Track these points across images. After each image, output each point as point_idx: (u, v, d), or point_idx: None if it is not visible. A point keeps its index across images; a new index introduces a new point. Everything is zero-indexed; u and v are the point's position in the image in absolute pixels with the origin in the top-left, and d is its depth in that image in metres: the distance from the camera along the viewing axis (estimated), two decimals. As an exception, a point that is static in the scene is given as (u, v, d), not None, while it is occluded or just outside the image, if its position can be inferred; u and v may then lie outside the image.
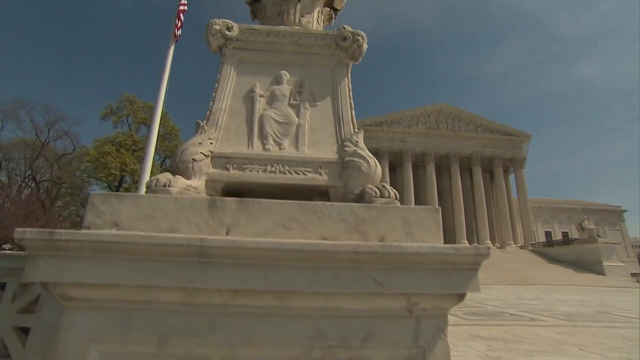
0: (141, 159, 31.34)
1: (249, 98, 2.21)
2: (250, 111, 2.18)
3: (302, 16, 2.68)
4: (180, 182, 1.78)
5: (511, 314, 11.17)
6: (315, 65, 2.36)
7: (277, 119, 2.16)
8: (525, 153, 48.34)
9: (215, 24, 2.24)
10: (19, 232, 1.33)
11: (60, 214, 34.67)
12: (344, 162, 2.04)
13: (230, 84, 2.23)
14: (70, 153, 35.49)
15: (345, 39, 2.31)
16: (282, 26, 2.41)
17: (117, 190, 33.20)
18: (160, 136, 25.80)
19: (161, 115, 21.79)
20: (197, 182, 1.89)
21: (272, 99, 2.22)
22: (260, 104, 2.19)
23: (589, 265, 34.97)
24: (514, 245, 42.94)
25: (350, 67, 2.42)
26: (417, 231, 1.66)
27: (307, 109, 2.20)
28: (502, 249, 41.33)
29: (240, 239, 1.38)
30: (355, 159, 2.02)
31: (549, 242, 45.28)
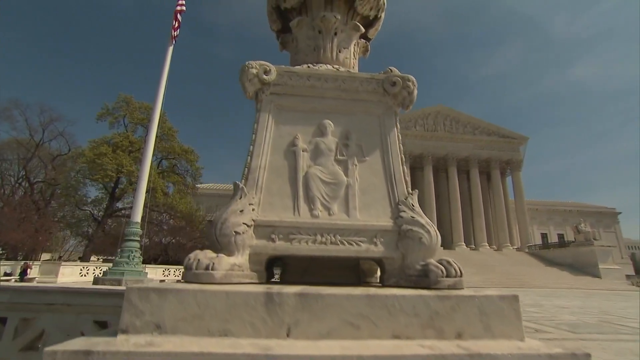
0: (138, 160, 30.91)
1: (291, 152, 1.98)
2: (294, 168, 1.95)
3: (339, 51, 2.45)
4: (224, 262, 1.56)
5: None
6: (361, 112, 2.13)
7: (324, 178, 1.93)
8: (522, 155, 48.51)
9: (252, 68, 2.00)
10: (49, 354, 1.11)
11: (54, 215, 34.05)
12: (401, 230, 1.82)
13: (269, 136, 1.99)
14: (66, 154, 34.82)
15: (394, 84, 2.08)
16: (323, 67, 2.18)
17: (113, 192, 32.65)
18: (157, 137, 25.36)
19: (159, 116, 21.43)
20: (241, 259, 1.66)
21: (316, 154, 2.00)
22: (303, 160, 1.96)
23: (585, 268, 35.16)
24: (511, 248, 43.09)
25: (398, 114, 2.20)
26: (496, 324, 1.47)
27: (356, 165, 1.98)
28: (499, 251, 41.47)
29: (310, 354, 1.17)
30: (415, 229, 1.80)
31: (545, 244, 45.51)
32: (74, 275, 20.75)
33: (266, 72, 2.02)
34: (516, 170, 47.97)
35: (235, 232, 1.66)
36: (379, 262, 1.91)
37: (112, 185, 32.09)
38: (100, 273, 21.76)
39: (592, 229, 40.29)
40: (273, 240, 1.77)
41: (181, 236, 31.79)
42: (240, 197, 1.80)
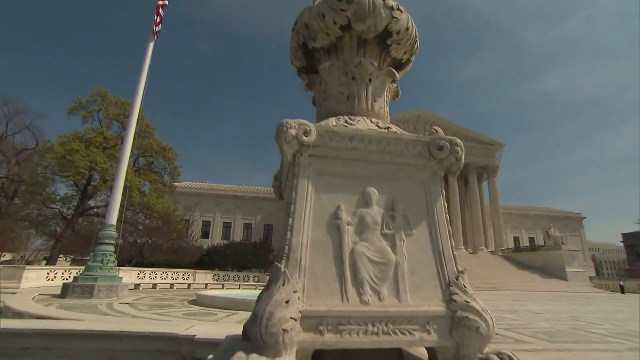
0: (113, 157, 29.53)
1: (334, 226, 1.80)
2: (338, 245, 1.77)
3: (374, 101, 2.28)
4: (273, 370, 1.36)
5: (496, 334, 11.39)
6: (405, 178, 1.98)
7: (372, 257, 1.77)
8: (498, 161, 50.16)
9: (291, 128, 1.80)
10: None
11: (18, 213, 31.97)
12: (455, 316, 1.69)
13: (309, 207, 1.80)
14: (32, 148, 32.77)
15: (441, 148, 1.94)
16: (363, 124, 2.01)
17: (85, 190, 31.02)
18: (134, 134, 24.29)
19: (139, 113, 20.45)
20: (289, 359, 1.47)
21: (361, 228, 1.82)
22: (349, 235, 1.78)
23: (554, 271, 36.91)
24: (486, 251, 44.51)
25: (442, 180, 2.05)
26: None
27: (403, 240, 1.82)
28: (475, 254, 42.73)
29: None
30: (471, 317, 1.66)
31: (517, 247, 47.36)
32: (39, 279, 19.39)
33: (306, 133, 1.83)
34: (492, 176, 49.56)
35: (283, 329, 1.46)
36: (430, 349, 1.77)
37: (84, 182, 30.50)
38: (69, 277, 20.54)
39: (561, 233, 42.27)
40: (321, 333, 1.58)
41: (157, 236, 30.69)
42: (284, 284, 1.60)
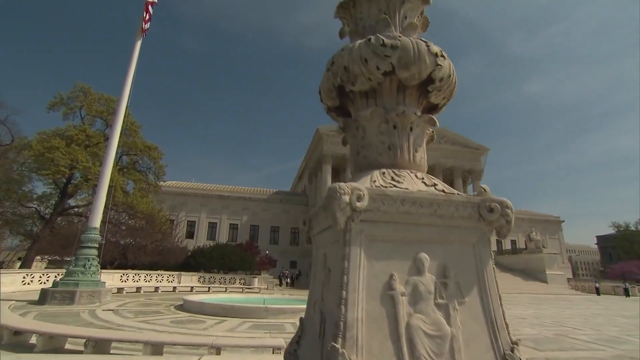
0: (95, 155, 28.55)
1: (388, 297, 1.71)
2: (393, 318, 1.68)
3: (415, 151, 2.22)
4: None
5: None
6: (456, 241, 1.91)
7: (427, 330, 1.68)
8: (482, 165, 51.29)
9: (344, 194, 1.71)
10: None
11: (-10, 212, 30.52)
12: (513, 394, 1.62)
13: (362, 277, 1.71)
14: (7, 144, 31.31)
15: (492, 210, 1.88)
16: (415, 185, 1.92)
17: (65, 188, 29.88)
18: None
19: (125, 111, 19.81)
20: None
21: (415, 298, 1.74)
22: (403, 307, 1.69)
23: (535, 274, 38.10)
24: (469, 253, 45.48)
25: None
26: None
27: (457, 309, 1.75)
28: (459, 257, 43.59)
29: None
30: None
31: (500, 250, 48.59)
32: (14, 284, 18.43)
33: (359, 198, 1.73)
34: (477, 180, 50.61)
35: None
36: None
37: (64, 180, 29.38)
38: (47, 281, 19.68)
39: (541, 236, 43.64)
40: (381, 421, 1.49)
41: (141, 237, 29.87)
42: (342, 366, 1.50)
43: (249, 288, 28.55)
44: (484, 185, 1.99)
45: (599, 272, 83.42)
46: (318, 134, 46.80)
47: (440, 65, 2.15)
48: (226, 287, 28.35)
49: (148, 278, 25.74)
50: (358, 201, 1.73)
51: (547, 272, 37.30)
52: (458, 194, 1.97)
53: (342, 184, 1.72)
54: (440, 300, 1.77)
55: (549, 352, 10.41)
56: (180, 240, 34.56)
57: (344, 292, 1.66)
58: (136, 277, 24.92)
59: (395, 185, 1.91)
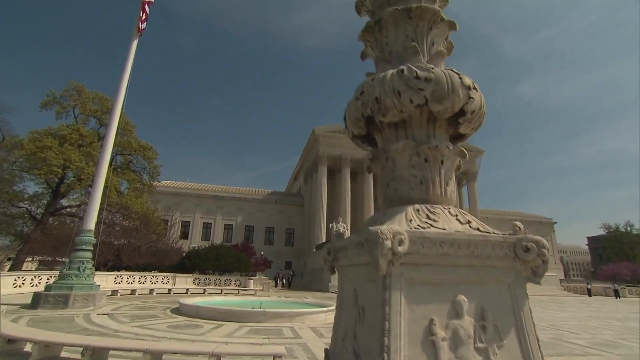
0: (88, 155, 28.13)
1: (429, 343, 1.67)
2: (435, 366, 1.64)
3: (447, 184, 2.18)
4: None
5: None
6: (492, 282, 1.88)
7: (470, 377, 1.65)
8: (477, 167, 51.68)
9: (387, 239, 1.66)
10: None
11: (-21, 212, 29.87)
12: None
13: (403, 322, 1.67)
14: (-2, 143, 30.71)
15: (527, 250, 1.86)
16: (451, 225, 1.89)
17: (57, 188, 29.39)
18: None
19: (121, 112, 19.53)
20: None
21: (455, 343, 1.71)
22: (444, 352, 1.66)
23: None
24: (464, 254, 45.79)
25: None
26: None
27: (496, 354, 1.71)
28: (453, 258, 43.89)
29: None
30: None
31: (493, 251, 48.97)
32: (6, 287, 18.00)
33: (400, 243, 1.69)
34: (472, 181, 50.99)
35: None
36: None
37: (57, 180, 28.89)
38: (38, 284, 19.30)
39: (533, 238, 44.10)
40: None
41: (136, 238, 29.47)
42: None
43: (245, 290, 28.39)
44: (517, 223, 1.97)
45: (589, 272, 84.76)
46: (314, 135, 46.72)
47: (473, 98, 2.12)
48: (222, 289, 28.14)
49: (143, 280, 25.44)
50: (399, 245, 1.69)
51: (540, 274, 37.77)
52: (493, 232, 1.94)
53: (383, 229, 1.68)
54: (480, 345, 1.74)
55: (548, 357, 10.46)
56: (175, 241, 34.23)
57: (386, 340, 1.62)
58: (130, 279, 24.60)
59: (432, 225, 1.88)
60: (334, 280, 32.10)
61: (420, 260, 1.82)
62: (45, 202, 30.96)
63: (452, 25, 2.50)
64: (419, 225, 1.87)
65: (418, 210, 1.99)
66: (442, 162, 2.22)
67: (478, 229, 1.97)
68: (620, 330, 13.37)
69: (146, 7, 20.05)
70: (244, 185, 59.17)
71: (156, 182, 35.79)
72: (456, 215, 2.06)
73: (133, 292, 22.71)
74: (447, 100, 2.07)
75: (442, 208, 2.07)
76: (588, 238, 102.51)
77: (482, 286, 1.88)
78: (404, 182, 2.20)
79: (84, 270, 16.54)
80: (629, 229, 71.68)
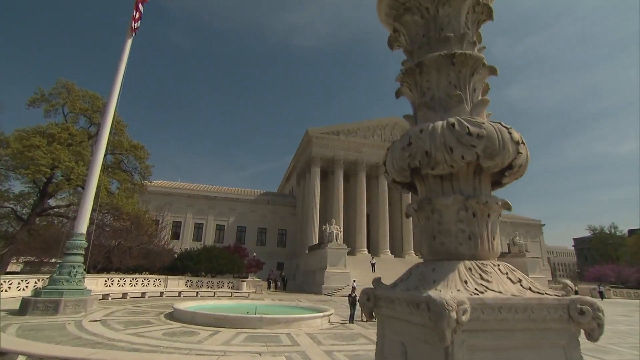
0: (78, 155, 27.47)
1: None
2: None
3: (493, 238, 2.17)
4: None
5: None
6: (546, 346, 1.86)
7: None
8: (468, 170, 52.26)
9: (452, 311, 1.62)
10: None
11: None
12: None
13: (466, 393, 1.63)
14: (-18, 141, 29.72)
15: (582, 313, 1.84)
16: (507, 287, 1.87)
17: (45, 188, 28.64)
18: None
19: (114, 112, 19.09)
20: None
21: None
22: None
23: (517, 278, 39.19)
24: (455, 256, 46.30)
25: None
26: None
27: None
28: (445, 260, 44.36)
29: None
30: None
31: (483, 253, 49.74)
32: (-9, 291, 17.48)
33: (464, 312, 1.66)
34: (462, 184, 51.61)
35: None
36: None
37: (45, 179, 28.15)
38: (25, 287, 18.75)
39: (523, 240, 44.94)
40: None
41: (127, 240, 28.93)
42: None
43: (238, 292, 28.21)
44: (569, 283, 1.94)
45: (575, 273, 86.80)
46: (307, 136, 46.63)
47: (521, 153, 2.12)
48: (214, 292, 27.91)
49: (134, 282, 25.03)
50: (463, 315, 1.66)
51: (530, 276, 38.39)
52: (546, 293, 1.91)
53: (448, 299, 1.63)
54: (539, 414, 1.71)
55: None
56: (166, 242, 33.75)
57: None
58: (121, 282, 24.18)
59: (487, 288, 1.85)
60: (327, 282, 32.19)
61: (480, 327, 1.79)
62: (32, 201, 30.18)
63: (492, 70, 2.48)
64: (476, 289, 1.84)
65: (470, 269, 1.96)
66: (489, 216, 2.19)
67: (530, 289, 1.95)
68: (609, 334, 13.60)
69: (140, 5, 19.65)
70: (234, 184, 58.65)
71: (147, 182, 35.21)
72: (506, 273, 2.03)
73: (124, 295, 22.33)
74: (498, 157, 2.05)
75: (492, 265, 2.05)
76: (574, 239, 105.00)
77: (537, 350, 1.86)
78: (452, 237, 2.17)
79: (75, 275, 16.16)
80: (613, 230, 73.66)
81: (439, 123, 2.13)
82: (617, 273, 44.81)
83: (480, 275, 1.94)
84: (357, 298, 13.41)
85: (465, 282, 1.88)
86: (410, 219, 38.28)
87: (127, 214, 29.42)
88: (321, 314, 13.97)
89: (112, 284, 23.52)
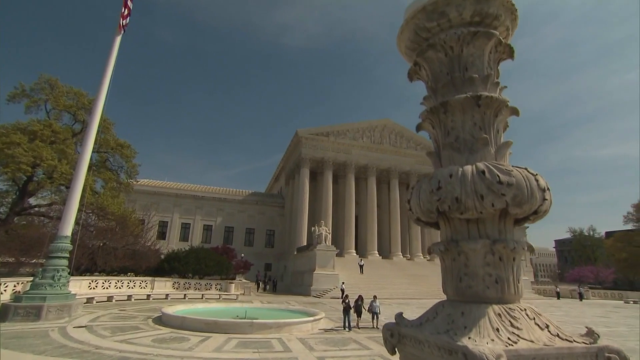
0: (62, 153, 26.65)
1: None
2: None
3: (518, 281, 2.25)
4: None
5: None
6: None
7: None
8: (455, 172, 53.11)
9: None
10: None
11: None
12: None
13: None
14: (-42, 137, 28.49)
15: (608, 360, 1.92)
16: (538, 336, 1.92)
17: (25, 187, 27.68)
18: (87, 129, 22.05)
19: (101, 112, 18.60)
20: None
21: None
22: None
23: (501, 279, 40.03)
24: (441, 258, 46.96)
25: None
26: None
27: None
28: (431, 261, 44.99)
29: None
30: None
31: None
32: (-33, 296, 16.73)
33: (502, 364, 1.70)
34: (449, 186, 52.39)
35: None
36: None
37: (25, 178, 27.19)
38: (4, 291, 18.02)
39: (507, 242, 45.91)
40: None
41: (112, 241, 28.17)
42: None
43: (226, 294, 27.92)
44: (595, 330, 2.01)
45: (556, 274, 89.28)
46: (297, 136, 46.53)
47: (547, 199, 2.20)
48: (202, 294, 27.56)
49: (119, 284, 24.47)
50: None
51: (513, 278, 39.35)
52: (574, 340, 1.99)
53: (487, 353, 1.69)
54: None
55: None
56: (153, 243, 33.08)
57: None
58: (106, 284, 23.60)
59: (518, 336, 1.93)
60: (316, 284, 32.19)
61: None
62: (11, 200, 29.13)
63: (514, 111, 2.55)
64: (509, 339, 1.90)
65: (500, 315, 2.02)
66: (514, 259, 2.26)
67: (558, 335, 2.02)
68: None
69: (128, 1, 19.24)
70: (222, 183, 58.01)
71: (133, 181, 34.44)
72: (534, 318, 2.11)
73: (110, 298, 21.82)
74: (526, 205, 2.14)
75: (520, 310, 2.12)
76: (555, 241, 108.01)
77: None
78: (479, 280, 2.23)
79: (59, 279, 15.69)
80: (591, 232, 76.09)
81: (469, 168, 2.18)
82: (596, 274, 46.39)
83: (510, 322, 2.01)
84: (352, 304, 13.38)
85: (497, 329, 1.93)
86: (398, 220, 38.37)
87: (112, 214, 28.69)
88: (312, 318, 13.98)
89: (96, 286, 22.94)
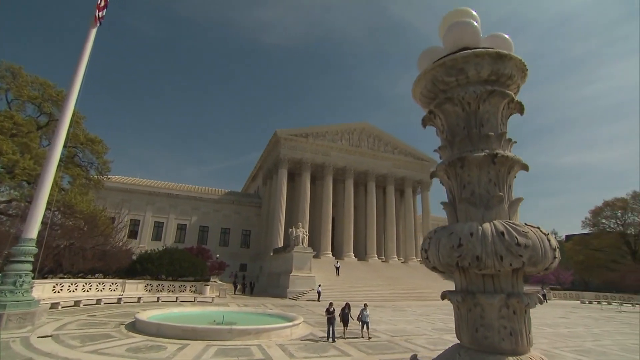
0: (25, 147, 25.05)
1: None
2: None
3: (529, 332, 2.42)
4: None
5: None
6: None
7: None
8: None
9: None
10: None
11: None
12: None
13: None
14: None
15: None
16: None
17: (-17, 182, 25.78)
18: (56, 122, 20.84)
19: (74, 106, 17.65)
20: None
21: None
22: None
23: (471, 281, 41.57)
24: (416, 260, 48.33)
25: None
26: None
27: None
28: (406, 263, 46.18)
29: None
30: None
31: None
32: None
33: None
34: (425, 190, 53.89)
35: None
36: None
37: (-18, 173, 25.33)
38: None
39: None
40: None
41: (79, 240, 26.75)
42: None
43: (201, 297, 27.32)
44: None
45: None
46: (276, 137, 46.21)
47: (557, 257, 2.39)
48: (176, 297, 26.80)
49: (87, 287, 23.33)
50: None
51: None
52: None
53: None
54: None
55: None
56: (124, 243, 31.74)
57: None
58: (73, 287, 22.42)
59: None
60: (292, 286, 32.16)
61: None
62: (-35, 196, 27.09)
63: (524, 167, 2.74)
64: None
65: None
66: (526, 312, 2.42)
67: None
68: (553, 338, 14.75)
69: (105, -7, 18.35)
70: (197, 181, 56.65)
71: (104, 178, 32.93)
72: None
73: (77, 303, 20.72)
74: (540, 265, 2.32)
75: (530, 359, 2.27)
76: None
77: None
78: (494, 332, 2.39)
79: (21, 285, 14.70)
80: (554, 236, 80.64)
81: (488, 228, 2.34)
82: (557, 276, 49.20)
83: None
84: (339, 313, 13.30)
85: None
86: (374, 222, 38.89)
87: (80, 212, 27.27)
88: (291, 323, 13.99)
89: (61, 289, 21.75)
